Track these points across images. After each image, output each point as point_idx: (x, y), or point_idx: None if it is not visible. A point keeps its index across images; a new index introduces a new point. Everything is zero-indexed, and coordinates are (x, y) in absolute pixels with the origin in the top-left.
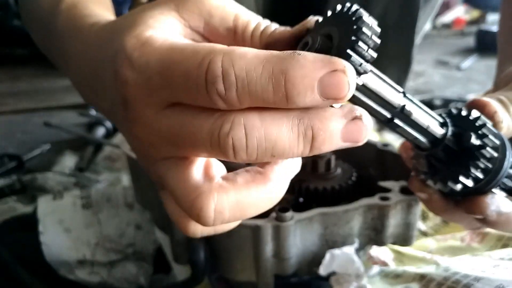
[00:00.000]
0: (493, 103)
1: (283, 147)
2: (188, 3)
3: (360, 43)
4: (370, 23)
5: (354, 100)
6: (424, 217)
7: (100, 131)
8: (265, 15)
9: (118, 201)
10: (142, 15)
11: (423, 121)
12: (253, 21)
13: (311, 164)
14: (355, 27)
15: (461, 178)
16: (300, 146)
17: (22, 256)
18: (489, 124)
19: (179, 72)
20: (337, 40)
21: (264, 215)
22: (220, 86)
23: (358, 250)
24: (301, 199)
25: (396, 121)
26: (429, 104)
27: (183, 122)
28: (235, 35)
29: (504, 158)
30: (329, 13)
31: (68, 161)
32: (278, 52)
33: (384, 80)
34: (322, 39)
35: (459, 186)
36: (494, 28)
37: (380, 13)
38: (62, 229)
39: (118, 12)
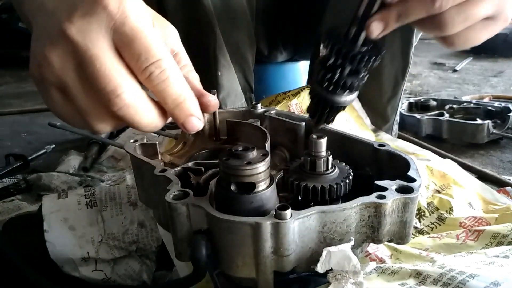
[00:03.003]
0: None
1: None
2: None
3: None
4: None
5: None
6: (420, 216)
7: None
8: (262, 14)
9: (121, 199)
10: None
11: None
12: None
13: (309, 164)
14: None
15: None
16: None
17: (27, 253)
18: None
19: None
20: None
21: (264, 214)
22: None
23: (355, 248)
24: (299, 198)
25: None
26: (425, 105)
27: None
28: None
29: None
30: None
31: (73, 160)
32: None
33: None
34: None
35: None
36: None
37: None
38: (66, 227)
39: None
